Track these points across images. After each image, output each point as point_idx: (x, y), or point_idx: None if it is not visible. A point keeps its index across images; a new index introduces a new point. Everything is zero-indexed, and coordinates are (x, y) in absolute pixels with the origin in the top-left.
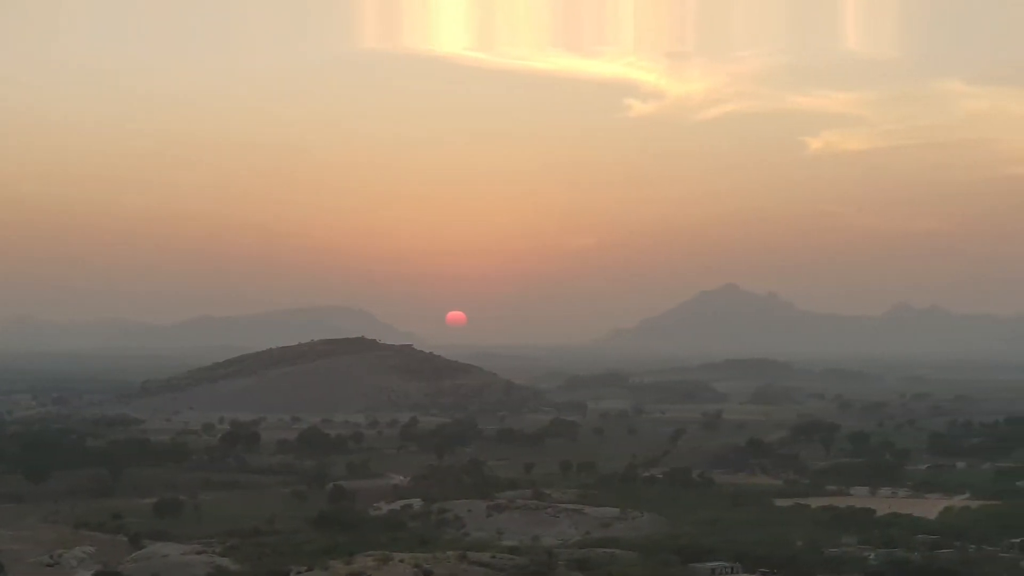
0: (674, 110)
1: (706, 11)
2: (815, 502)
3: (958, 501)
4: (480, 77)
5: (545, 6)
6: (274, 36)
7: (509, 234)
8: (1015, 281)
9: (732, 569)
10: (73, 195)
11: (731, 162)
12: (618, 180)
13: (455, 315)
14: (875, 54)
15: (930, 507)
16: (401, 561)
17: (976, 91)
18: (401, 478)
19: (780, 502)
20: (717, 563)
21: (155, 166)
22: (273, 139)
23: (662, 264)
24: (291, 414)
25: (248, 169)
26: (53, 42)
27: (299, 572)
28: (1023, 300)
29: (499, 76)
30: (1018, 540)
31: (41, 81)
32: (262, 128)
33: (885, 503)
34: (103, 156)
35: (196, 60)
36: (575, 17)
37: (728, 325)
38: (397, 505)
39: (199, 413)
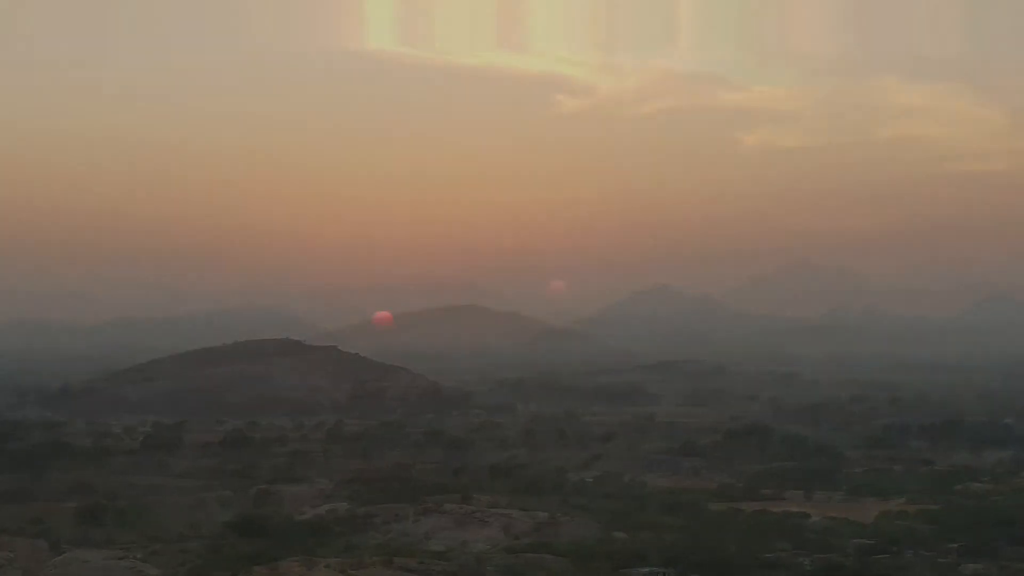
0: (606, 106)
1: (639, 6)
2: (749, 506)
3: (895, 505)
4: (407, 73)
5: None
6: (198, 32)
7: (435, 233)
8: (951, 281)
9: (665, 574)
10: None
11: (664, 159)
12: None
13: (382, 315)
14: (809, 50)
15: (866, 511)
16: (327, 567)
17: (910, 88)
18: (327, 482)
19: (714, 506)
20: (649, 569)
21: (70, 160)
22: (196, 135)
23: (593, 264)
24: (215, 417)
25: (170, 165)
26: None
27: None
28: (959, 301)
29: (425, 72)
30: (955, 545)
31: None
32: (184, 125)
33: (820, 507)
34: (17, 151)
35: (120, 54)
36: (504, 11)
37: (661, 326)
38: (322, 509)
39: (121, 416)
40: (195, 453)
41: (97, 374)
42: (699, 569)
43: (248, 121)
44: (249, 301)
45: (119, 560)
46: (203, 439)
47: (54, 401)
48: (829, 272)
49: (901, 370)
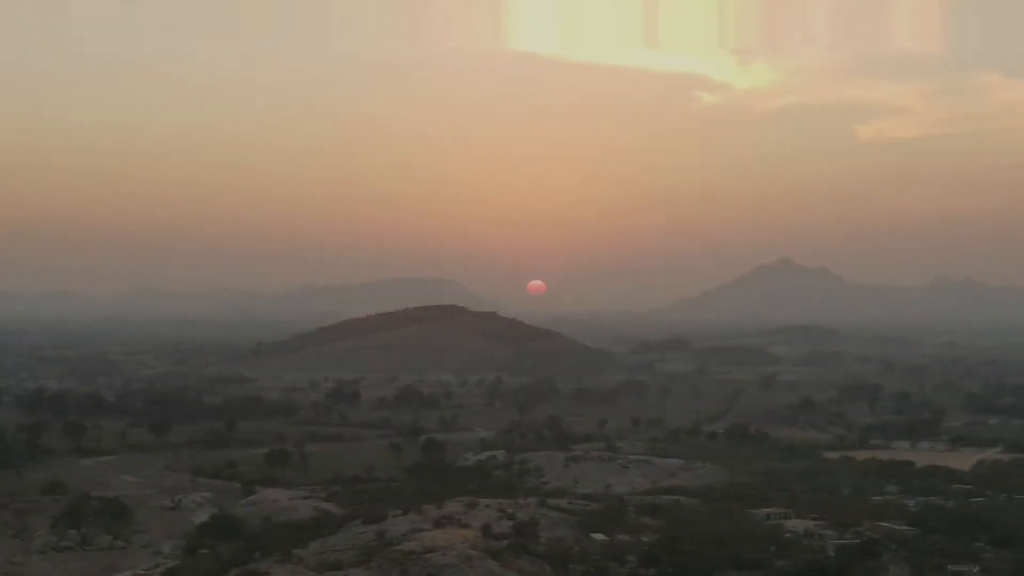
0: (740, 101)
1: (770, 10)
2: (861, 455)
3: (990, 454)
4: (566, 73)
5: (622, 8)
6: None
7: (587, 212)
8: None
9: (786, 515)
10: (194, 177)
11: (789, 149)
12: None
13: (536, 284)
14: (921, 50)
15: (965, 460)
16: (487, 506)
17: (1011, 83)
18: (487, 432)
19: (829, 455)
20: (772, 509)
21: (263, 155)
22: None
23: (724, 239)
24: (388, 374)
25: (350, 156)
26: None
27: (395, 516)
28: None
29: (582, 71)
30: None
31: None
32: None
33: (924, 456)
34: (216, 145)
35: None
36: (651, 17)
37: (783, 296)
38: (483, 456)
39: (305, 373)
40: (371, 406)
41: (285, 336)
42: (816, 510)
43: (439, 116)
44: (417, 272)
45: (304, 499)
46: (378, 393)
47: (248, 359)
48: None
49: (996, 335)
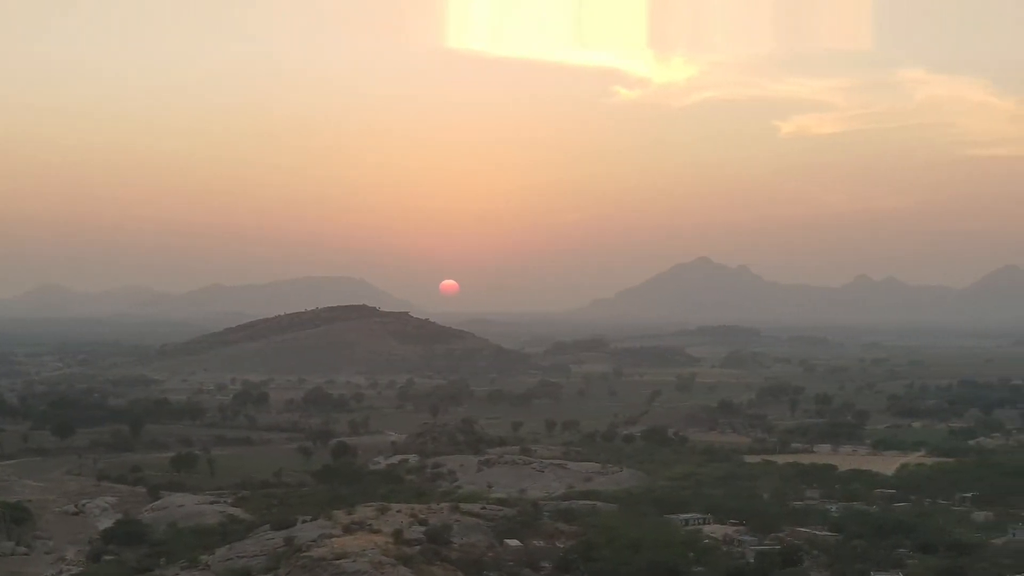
0: (658, 97)
1: (688, 4)
2: (781, 459)
3: (914, 458)
4: (484, 68)
5: (540, 2)
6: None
7: (501, 209)
8: (965, 254)
9: (704, 520)
10: (99, 172)
11: (708, 145)
12: (603, 160)
13: (448, 284)
14: (845, 45)
15: (888, 464)
16: (399, 511)
17: (935, 79)
18: (398, 435)
19: (749, 459)
20: (690, 515)
21: (169, 151)
22: (279, 124)
23: (640, 238)
24: (297, 375)
25: (258, 152)
26: None
27: (304, 521)
28: (973, 272)
29: (501, 66)
30: (969, 494)
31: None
32: (271, 116)
33: (846, 460)
34: (122, 138)
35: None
36: (568, 11)
37: (701, 295)
38: (395, 460)
39: (213, 374)
40: (279, 408)
41: (192, 337)
42: (735, 515)
43: (335, 111)
44: (326, 271)
45: (211, 504)
46: (287, 396)
47: (153, 361)
48: (855, 246)
49: (919, 335)
